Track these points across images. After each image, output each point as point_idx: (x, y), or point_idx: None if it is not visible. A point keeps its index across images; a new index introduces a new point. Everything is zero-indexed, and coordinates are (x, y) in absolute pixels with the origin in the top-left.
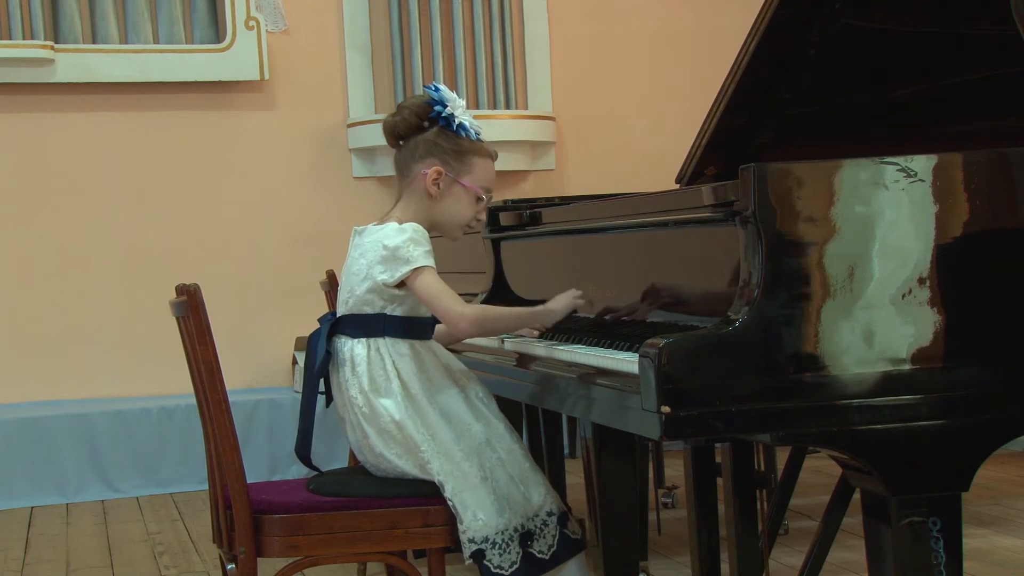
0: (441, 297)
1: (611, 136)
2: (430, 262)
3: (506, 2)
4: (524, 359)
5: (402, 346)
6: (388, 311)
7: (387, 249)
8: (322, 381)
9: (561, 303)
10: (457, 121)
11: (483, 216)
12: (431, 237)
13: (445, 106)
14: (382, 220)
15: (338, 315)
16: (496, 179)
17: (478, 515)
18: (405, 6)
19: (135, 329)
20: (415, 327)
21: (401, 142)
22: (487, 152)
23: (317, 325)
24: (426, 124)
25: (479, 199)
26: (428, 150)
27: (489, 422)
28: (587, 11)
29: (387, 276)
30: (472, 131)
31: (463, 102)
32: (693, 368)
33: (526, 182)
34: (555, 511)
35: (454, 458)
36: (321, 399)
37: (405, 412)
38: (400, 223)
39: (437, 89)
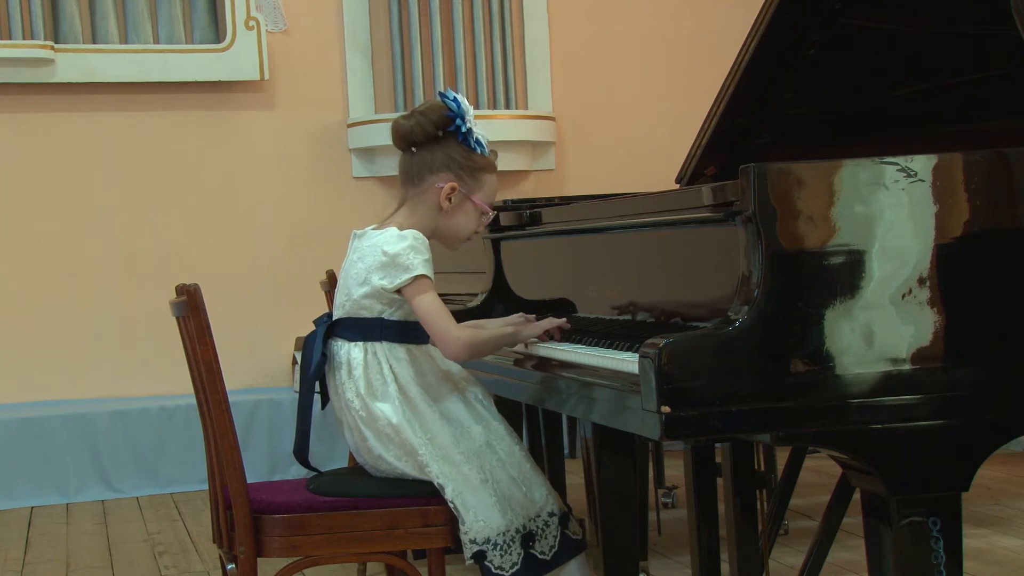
0: (439, 318)
1: (611, 136)
2: (429, 271)
3: (506, 2)
4: (524, 359)
5: (399, 350)
6: (386, 315)
7: (387, 255)
8: (318, 382)
9: (528, 329)
10: (475, 136)
11: (483, 229)
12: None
13: (464, 120)
14: (383, 224)
15: (335, 317)
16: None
17: (479, 516)
18: (405, 6)
19: (135, 329)
20: (412, 331)
21: (413, 148)
22: (495, 167)
23: (319, 322)
24: (441, 134)
25: (483, 214)
26: (445, 163)
27: (489, 424)
28: (587, 11)
29: (386, 282)
30: (485, 147)
31: (472, 109)
32: (693, 368)
33: (526, 182)
34: (556, 512)
35: (453, 461)
36: (317, 400)
37: (402, 416)
38: (402, 229)
39: (455, 99)
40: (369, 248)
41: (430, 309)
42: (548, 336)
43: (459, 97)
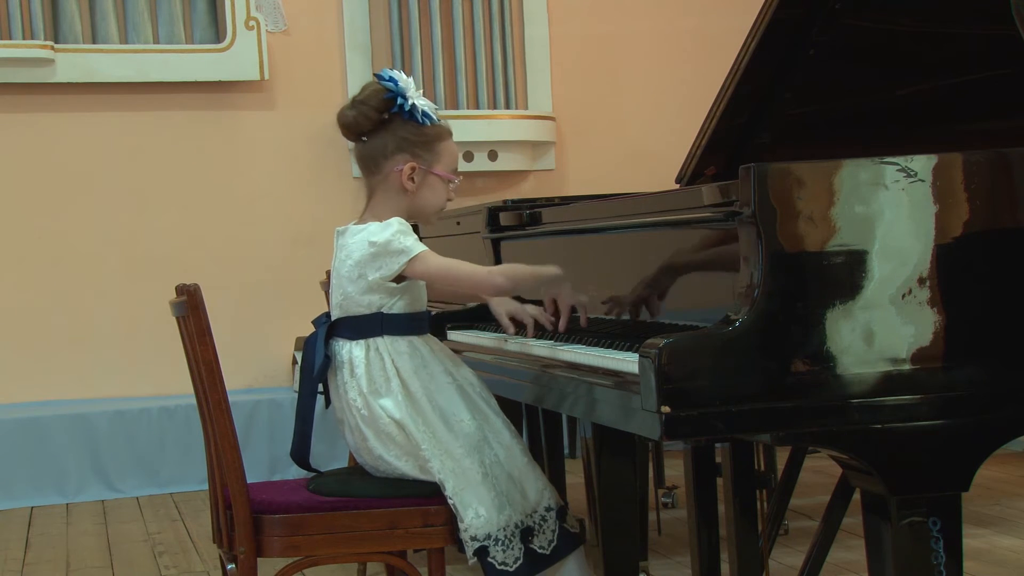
0: (459, 266)
1: (611, 136)
2: (424, 247)
3: (506, 2)
4: (524, 359)
5: (401, 343)
6: (386, 309)
7: (376, 246)
8: (321, 383)
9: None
10: (420, 110)
11: (453, 196)
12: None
13: (407, 98)
14: (361, 219)
15: (333, 318)
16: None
17: (480, 512)
18: (405, 6)
19: (135, 329)
20: (413, 323)
21: (364, 138)
22: (449, 132)
23: (319, 321)
24: (387, 116)
25: (450, 183)
26: (398, 145)
27: (487, 418)
28: (587, 11)
29: (383, 272)
30: (432, 116)
31: (412, 81)
32: (693, 368)
33: (526, 182)
34: (553, 506)
35: (455, 455)
36: (320, 400)
37: (405, 411)
38: (381, 220)
39: (392, 79)
40: (355, 244)
41: (450, 265)
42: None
43: (396, 74)
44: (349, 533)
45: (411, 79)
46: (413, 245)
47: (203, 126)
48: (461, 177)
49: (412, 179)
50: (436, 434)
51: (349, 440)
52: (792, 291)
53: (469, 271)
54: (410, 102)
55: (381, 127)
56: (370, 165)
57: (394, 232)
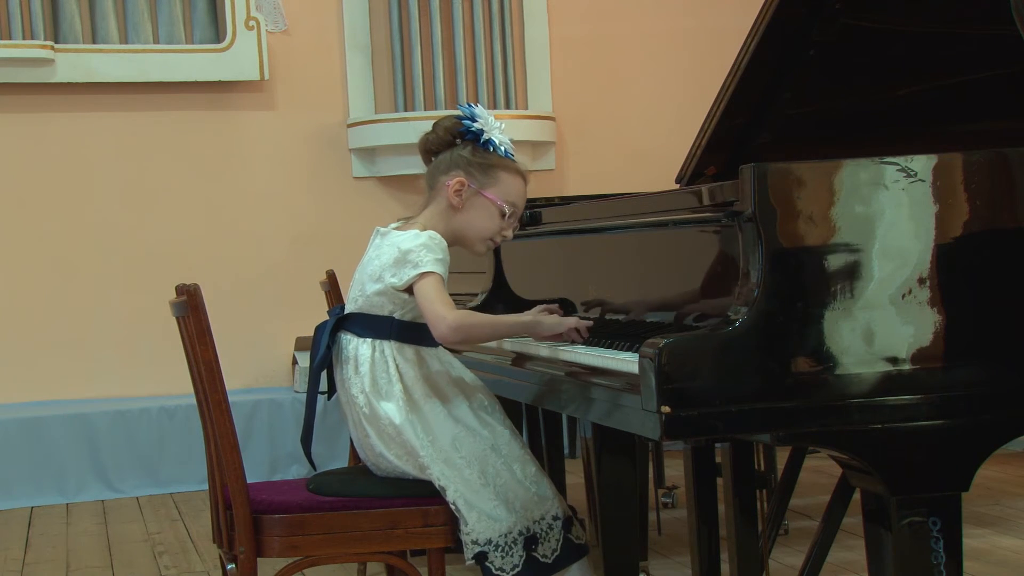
0: (433, 301)
1: (611, 136)
2: (439, 269)
3: (506, 2)
4: (524, 359)
5: (407, 351)
6: (397, 315)
7: (400, 252)
8: (325, 377)
9: (552, 320)
10: (486, 137)
11: (509, 233)
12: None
13: (475, 121)
14: (407, 224)
15: (347, 311)
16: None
17: (481, 517)
18: (405, 6)
19: (135, 329)
20: (423, 333)
21: (433, 158)
22: (516, 169)
23: (319, 321)
24: (458, 141)
25: (503, 214)
26: (454, 162)
27: (494, 429)
28: (587, 11)
29: (396, 280)
30: (502, 148)
31: (499, 124)
32: (693, 368)
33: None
34: (560, 516)
35: (455, 464)
36: (323, 393)
37: (405, 417)
38: (423, 230)
39: (471, 107)
40: (388, 246)
41: (426, 293)
42: (572, 336)
43: (476, 106)
44: (349, 533)
45: (492, 115)
46: (428, 263)
47: (203, 126)
48: (518, 213)
49: (459, 194)
50: (436, 442)
51: (352, 433)
52: (792, 291)
53: (431, 310)
54: (477, 126)
55: (448, 148)
56: (430, 180)
57: (420, 244)
